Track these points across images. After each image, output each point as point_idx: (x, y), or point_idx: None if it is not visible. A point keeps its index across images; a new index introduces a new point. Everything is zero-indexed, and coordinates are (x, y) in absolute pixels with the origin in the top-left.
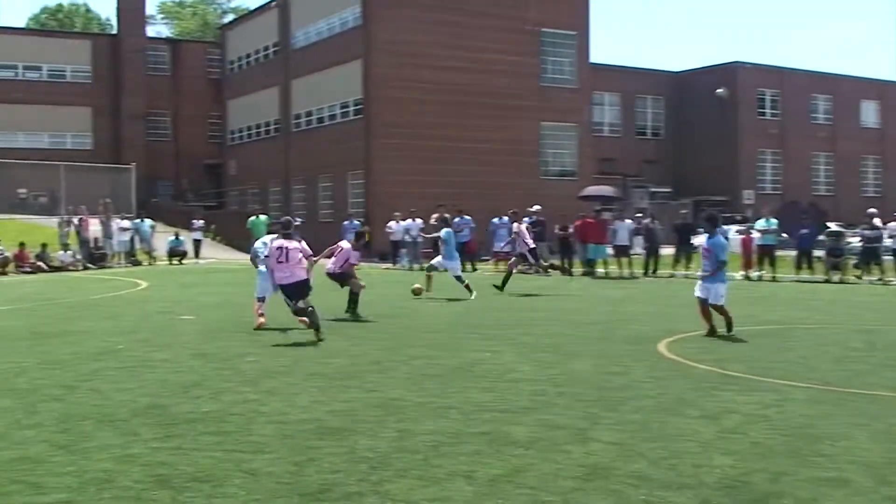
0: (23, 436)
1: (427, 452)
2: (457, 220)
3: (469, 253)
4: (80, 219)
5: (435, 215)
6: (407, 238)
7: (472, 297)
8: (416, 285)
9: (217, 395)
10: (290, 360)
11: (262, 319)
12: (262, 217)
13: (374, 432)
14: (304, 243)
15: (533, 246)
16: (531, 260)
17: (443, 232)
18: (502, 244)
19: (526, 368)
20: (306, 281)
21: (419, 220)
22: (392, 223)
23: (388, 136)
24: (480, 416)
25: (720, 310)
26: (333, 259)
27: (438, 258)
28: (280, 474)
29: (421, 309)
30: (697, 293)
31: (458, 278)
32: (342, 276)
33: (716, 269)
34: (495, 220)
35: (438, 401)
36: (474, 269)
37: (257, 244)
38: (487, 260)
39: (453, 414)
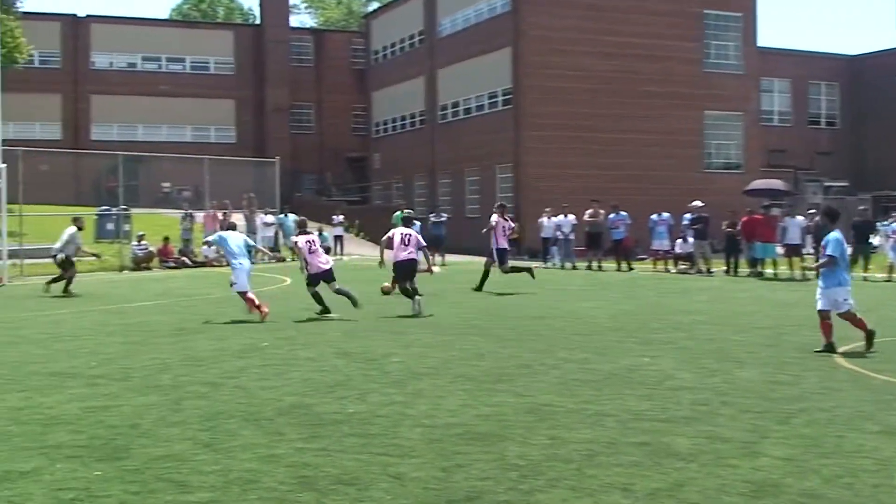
0: (168, 433)
1: (581, 462)
2: (612, 216)
3: (624, 251)
4: (224, 213)
5: (589, 211)
6: (558, 235)
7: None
8: (385, 284)
9: (363, 396)
10: (436, 362)
11: (265, 309)
12: (407, 211)
13: (525, 439)
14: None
15: (503, 246)
16: (494, 260)
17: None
18: (663, 241)
19: (687, 375)
20: (330, 269)
21: (571, 217)
22: (543, 219)
23: (539, 126)
24: (638, 424)
25: (852, 318)
26: (402, 246)
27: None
28: (427, 479)
29: (574, 310)
30: (818, 305)
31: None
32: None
33: (822, 265)
34: (654, 216)
35: (592, 407)
36: (630, 269)
37: (212, 237)
38: (644, 258)
39: (609, 422)
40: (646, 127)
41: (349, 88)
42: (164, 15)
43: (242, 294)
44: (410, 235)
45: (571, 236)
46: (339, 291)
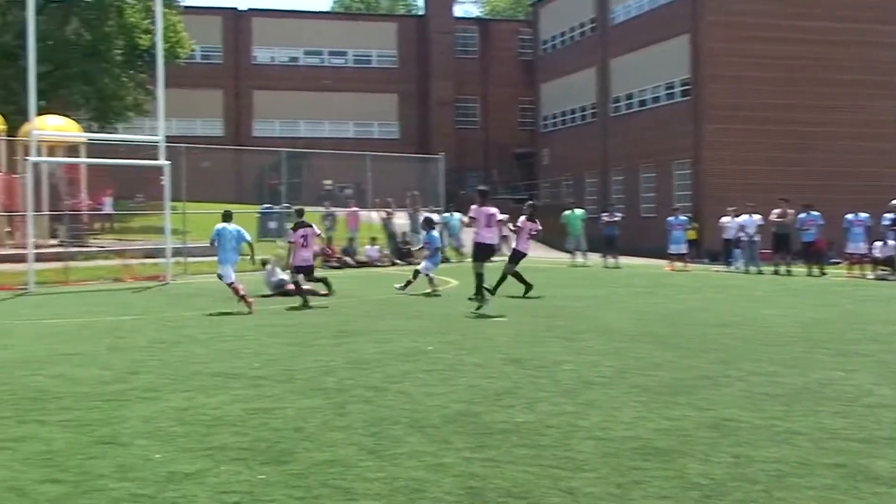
0: (332, 438)
1: (769, 483)
2: (802, 216)
3: (816, 254)
4: (387, 212)
5: (776, 210)
6: (742, 236)
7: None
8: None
9: (532, 405)
10: (610, 371)
11: (250, 300)
12: (578, 211)
13: (707, 456)
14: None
15: (522, 249)
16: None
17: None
18: (859, 244)
19: (887, 392)
20: (312, 267)
21: (757, 216)
22: (725, 218)
23: (720, 119)
24: (832, 444)
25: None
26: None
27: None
28: (601, 496)
29: (759, 318)
30: None
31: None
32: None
33: None
34: (849, 216)
35: (781, 424)
36: (822, 274)
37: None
38: (838, 262)
39: (799, 441)
40: (840, 118)
41: (516, 81)
42: (326, 7)
43: (230, 284)
44: (307, 235)
45: (757, 238)
46: (298, 286)
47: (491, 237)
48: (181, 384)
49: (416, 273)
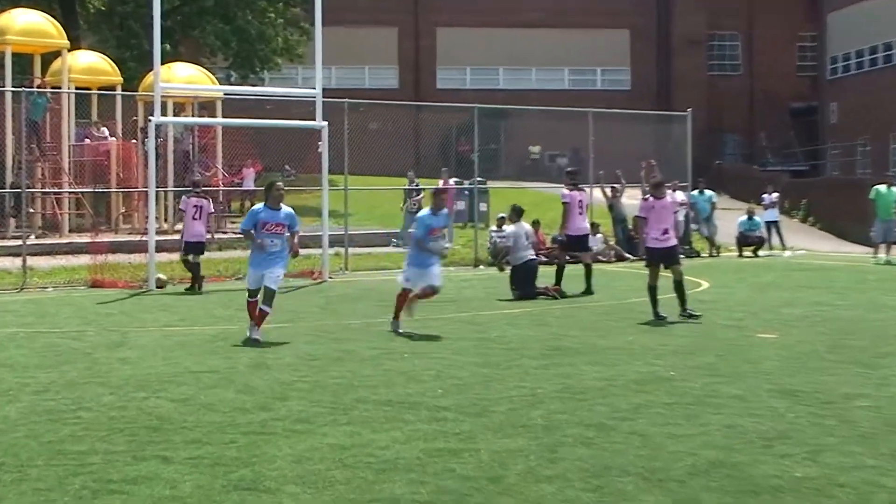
0: (539, 491)
1: None
2: None
3: None
4: (612, 188)
5: None
6: None
7: None
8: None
9: (814, 455)
10: None
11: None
12: (895, 189)
13: None
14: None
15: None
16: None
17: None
18: None
19: None
20: (203, 244)
21: None
22: None
23: None
24: None
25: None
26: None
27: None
28: None
29: None
30: None
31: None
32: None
33: None
34: None
35: None
36: None
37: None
38: None
39: None
40: None
41: (792, 9)
42: None
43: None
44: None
45: None
46: (190, 266)
47: (583, 227)
48: (341, 415)
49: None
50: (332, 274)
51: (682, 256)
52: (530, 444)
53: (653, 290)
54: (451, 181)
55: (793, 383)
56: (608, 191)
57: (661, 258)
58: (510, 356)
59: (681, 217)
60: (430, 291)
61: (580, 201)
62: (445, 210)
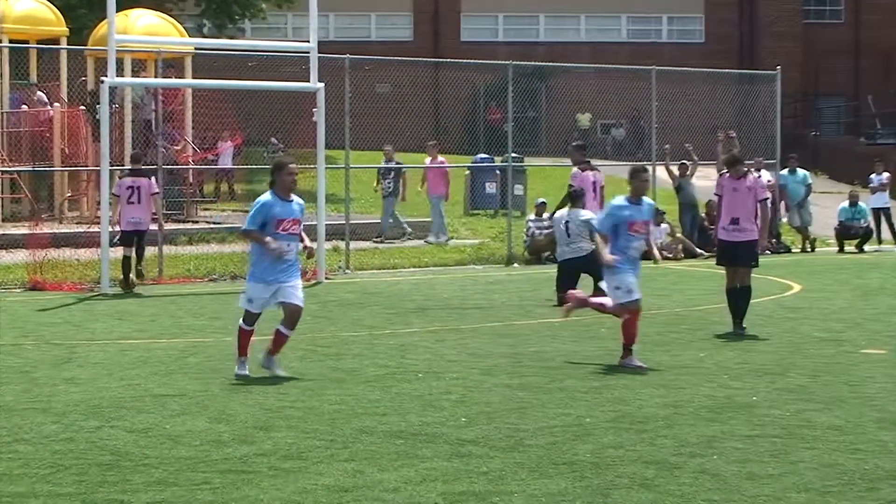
0: None
1: None
2: None
3: None
4: (681, 166)
5: None
6: None
7: None
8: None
9: None
10: None
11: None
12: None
13: None
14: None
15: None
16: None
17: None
18: None
19: None
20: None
21: None
22: None
23: None
24: None
25: None
26: None
27: None
28: None
29: None
30: None
31: None
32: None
33: None
34: None
35: None
36: None
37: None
38: None
39: None
40: None
41: None
42: None
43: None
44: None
45: None
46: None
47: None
48: (340, 449)
49: None
50: (330, 274)
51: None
52: (575, 487)
53: (732, 293)
54: (441, 158)
55: None
56: (675, 170)
57: (730, 256)
58: (551, 376)
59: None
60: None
61: (594, 182)
62: (647, 199)
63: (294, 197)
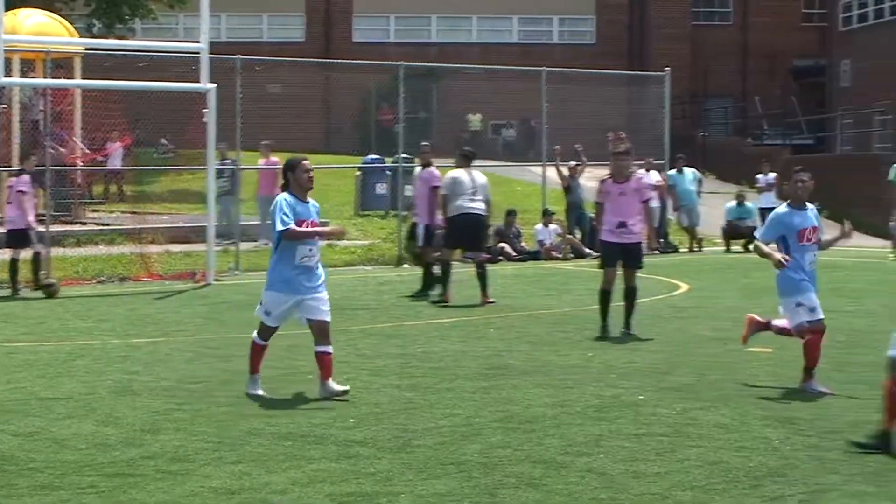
0: None
1: None
2: None
3: None
4: (572, 169)
5: None
6: None
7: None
8: None
9: (815, 497)
10: None
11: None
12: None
13: None
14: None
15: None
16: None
17: None
18: None
19: None
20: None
21: None
22: None
23: None
24: None
25: None
26: None
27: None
28: None
29: None
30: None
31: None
32: None
33: None
34: None
35: None
36: None
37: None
38: None
39: None
40: None
41: None
42: None
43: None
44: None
45: None
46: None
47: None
48: (228, 451)
49: None
50: (220, 275)
51: (656, 253)
52: (463, 487)
53: (606, 295)
54: (273, 158)
55: (789, 409)
56: (565, 170)
57: (617, 258)
58: (440, 377)
59: (655, 203)
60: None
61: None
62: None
63: (310, 199)
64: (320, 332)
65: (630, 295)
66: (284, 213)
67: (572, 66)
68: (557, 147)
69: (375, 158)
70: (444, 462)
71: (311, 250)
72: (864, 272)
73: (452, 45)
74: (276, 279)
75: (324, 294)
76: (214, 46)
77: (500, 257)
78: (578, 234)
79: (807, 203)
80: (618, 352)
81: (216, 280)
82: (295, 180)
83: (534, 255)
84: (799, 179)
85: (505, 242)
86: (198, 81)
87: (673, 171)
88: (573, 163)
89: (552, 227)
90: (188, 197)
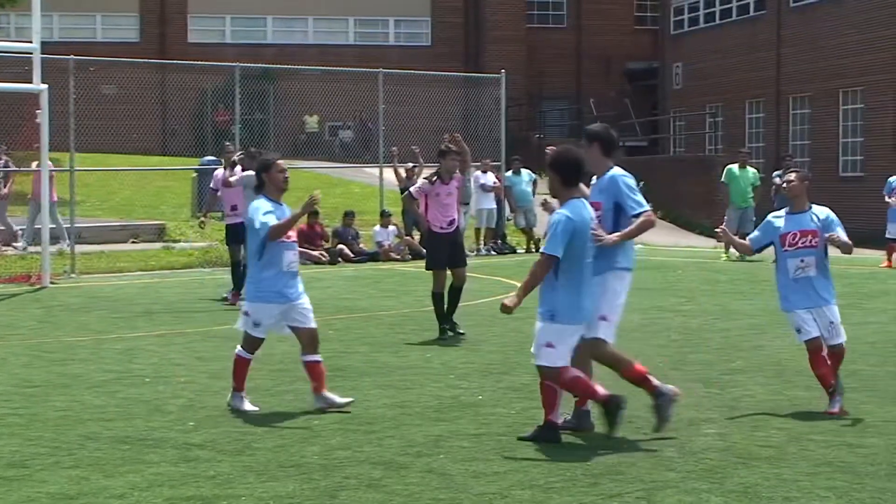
0: None
1: None
2: None
3: None
4: (408, 170)
5: None
6: None
7: None
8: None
9: (651, 494)
10: (779, 438)
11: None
12: (751, 171)
13: None
14: None
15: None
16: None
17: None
18: None
19: None
20: None
21: None
22: None
23: None
24: None
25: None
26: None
27: None
28: None
29: None
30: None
31: None
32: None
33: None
34: None
35: None
36: None
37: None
38: None
39: None
40: None
41: None
42: None
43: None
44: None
45: None
46: None
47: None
48: (65, 456)
49: None
50: (55, 278)
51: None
52: (303, 489)
53: (441, 298)
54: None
55: (628, 408)
56: (403, 172)
57: (446, 257)
58: (279, 379)
59: (492, 204)
60: None
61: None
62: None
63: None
64: (309, 340)
65: (460, 293)
66: (264, 213)
67: (409, 67)
68: (395, 148)
69: (212, 160)
70: (284, 464)
71: (295, 254)
72: (697, 272)
73: (289, 45)
74: (266, 289)
75: (307, 300)
76: (47, 46)
77: (339, 259)
78: (416, 236)
79: (810, 205)
80: (457, 352)
81: (51, 283)
82: (270, 181)
83: (372, 257)
84: (785, 180)
85: (343, 244)
86: (30, 82)
87: (509, 173)
88: (411, 164)
89: (390, 228)
90: (23, 200)
